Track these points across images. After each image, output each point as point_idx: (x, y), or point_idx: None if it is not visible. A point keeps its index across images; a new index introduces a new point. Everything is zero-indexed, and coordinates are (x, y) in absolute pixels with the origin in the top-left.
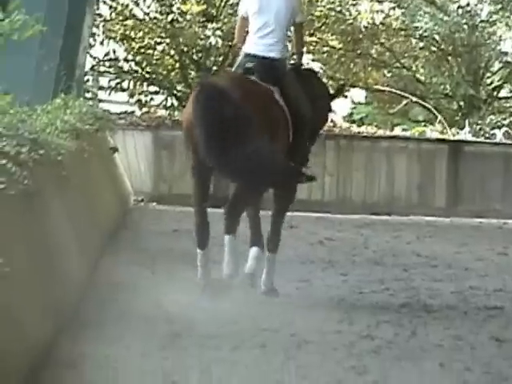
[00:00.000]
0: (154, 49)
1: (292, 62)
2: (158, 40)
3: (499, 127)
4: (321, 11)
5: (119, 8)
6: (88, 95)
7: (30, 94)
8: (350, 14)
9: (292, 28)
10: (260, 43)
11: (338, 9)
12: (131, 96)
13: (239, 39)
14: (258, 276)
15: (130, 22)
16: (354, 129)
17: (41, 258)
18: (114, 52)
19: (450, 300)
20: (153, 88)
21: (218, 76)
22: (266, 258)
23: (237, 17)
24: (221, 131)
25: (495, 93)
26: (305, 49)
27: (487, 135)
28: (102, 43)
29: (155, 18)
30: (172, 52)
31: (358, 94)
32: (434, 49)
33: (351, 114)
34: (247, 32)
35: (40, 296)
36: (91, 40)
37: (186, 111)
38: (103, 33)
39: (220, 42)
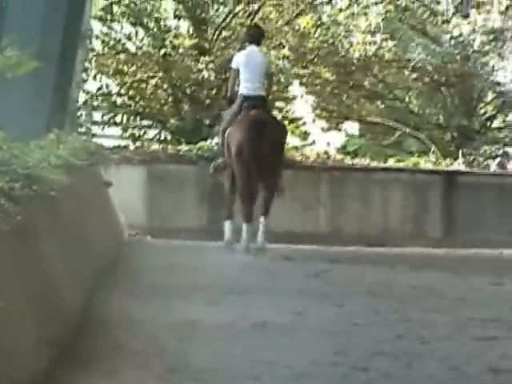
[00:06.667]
0: (147, 83)
1: None
2: (151, 74)
3: (493, 158)
4: (313, 43)
5: (112, 42)
6: (81, 130)
7: (22, 129)
8: (343, 46)
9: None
10: (251, 87)
11: (331, 41)
12: (124, 130)
13: (232, 87)
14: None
15: (122, 57)
16: (348, 161)
17: (35, 293)
18: (107, 86)
19: (445, 331)
20: (146, 122)
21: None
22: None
23: (229, 50)
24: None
25: (489, 123)
26: (298, 81)
27: (481, 166)
28: (94, 78)
29: (148, 52)
30: (165, 86)
31: (351, 126)
32: (426, 80)
33: (345, 146)
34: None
35: (35, 331)
36: (84, 75)
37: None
38: (96, 67)
39: (213, 75)
